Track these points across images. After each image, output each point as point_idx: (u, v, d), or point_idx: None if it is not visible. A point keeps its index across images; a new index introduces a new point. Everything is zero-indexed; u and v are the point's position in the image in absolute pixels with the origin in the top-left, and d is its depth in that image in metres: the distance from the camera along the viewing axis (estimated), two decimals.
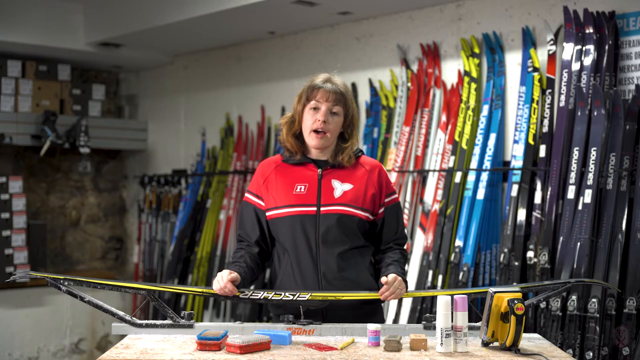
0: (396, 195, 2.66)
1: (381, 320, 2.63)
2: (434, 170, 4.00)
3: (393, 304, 3.94)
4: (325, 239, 2.51)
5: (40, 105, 5.45)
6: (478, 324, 2.38)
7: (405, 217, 4.06)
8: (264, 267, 2.74)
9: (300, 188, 2.56)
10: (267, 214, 2.59)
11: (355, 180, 2.58)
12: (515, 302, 2.18)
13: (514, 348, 2.22)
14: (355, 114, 2.62)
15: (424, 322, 2.46)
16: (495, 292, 2.24)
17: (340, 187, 2.56)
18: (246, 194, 2.67)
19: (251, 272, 2.58)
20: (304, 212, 2.53)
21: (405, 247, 2.67)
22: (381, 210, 2.60)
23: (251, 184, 2.66)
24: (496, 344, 2.28)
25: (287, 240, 2.55)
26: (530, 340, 2.44)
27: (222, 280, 2.45)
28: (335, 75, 2.65)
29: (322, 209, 2.53)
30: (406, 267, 2.80)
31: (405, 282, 2.50)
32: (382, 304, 2.68)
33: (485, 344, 2.29)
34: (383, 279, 2.45)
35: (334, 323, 2.47)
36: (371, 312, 2.58)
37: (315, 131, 2.53)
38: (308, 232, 2.52)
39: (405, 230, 2.68)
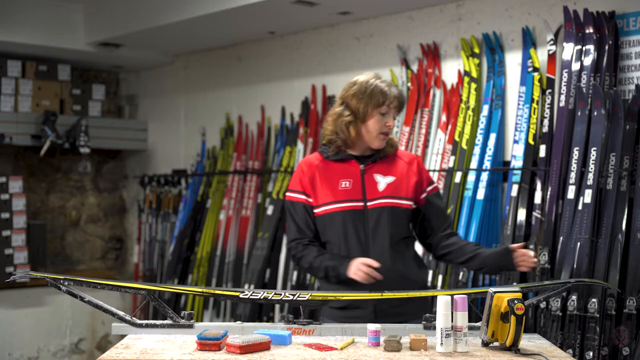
0: (436, 185, 2.78)
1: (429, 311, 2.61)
2: (434, 170, 4.00)
3: None
4: (374, 233, 2.59)
5: (40, 105, 5.45)
6: (478, 324, 2.38)
7: None
8: None
9: (345, 184, 2.64)
10: (315, 210, 2.65)
11: (396, 172, 2.68)
12: (515, 302, 2.19)
13: (514, 348, 2.22)
14: None
15: (424, 322, 2.46)
16: (495, 292, 2.24)
17: (383, 181, 2.65)
18: (290, 194, 2.70)
19: None
20: (352, 207, 2.61)
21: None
22: (423, 196, 2.70)
23: (293, 183, 2.71)
24: (496, 344, 2.28)
25: (337, 236, 2.61)
26: (530, 340, 2.44)
27: (364, 267, 2.49)
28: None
29: (368, 203, 2.61)
30: None
31: None
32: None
33: (485, 344, 2.29)
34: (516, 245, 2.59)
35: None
36: (418, 307, 2.62)
37: (383, 133, 2.66)
38: (358, 227, 2.59)
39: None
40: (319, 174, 2.67)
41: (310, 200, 2.66)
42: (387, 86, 2.67)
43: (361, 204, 2.61)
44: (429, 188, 2.73)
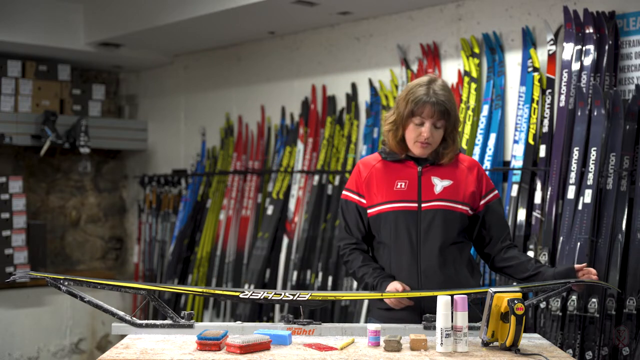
0: (497, 192, 2.70)
1: (476, 317, 2.53)
2: None
3: None
4: (426, 235, 2.56)
5: (40, 105, 5.45)
6: (478, 324, 2.38)
7: None
8: None
9: (401, 184, 2.61)
10: (369, 210, 2.63)
11: (454, 176, 2.62)
12: (515, 302, 2.18)
13: (514, 348, 2.22)
14: (458, 118, 2.63)
15: (424, 322, 2.46)
16: (495, 292, 2.24)
17: (440, 184, 2.61)
18: (345, 192, 2.70)
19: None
20: (405, 208, 2.58)
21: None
22: (482, 202, 2.64)
23: (350, 182, 2.70)
24: (496, 344, 2.28)
25: (389, 236, 2.59)
26: (530, 340, 2.44)
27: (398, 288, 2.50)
28: (437, 78, 2.63)
29: (423, 205, 2.58)
30: None
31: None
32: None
33: (485, 344, 2.29)
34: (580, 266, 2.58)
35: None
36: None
37: (420, 142, 2.57)
38: (410, 228, 2.56)
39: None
40: (375, 175, 2.65)
41: (364, 201, 2.65)
42: (427, 94, 2.54)
43: (415, 205, 2.58)
44: (490, 195, 2.66)
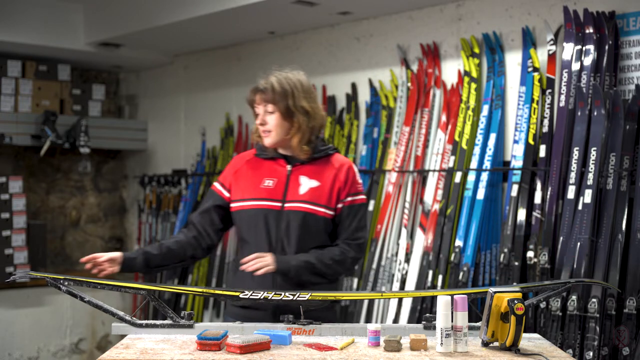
0: (362, 197, 2.65)
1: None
2: (434, 170, 4.00)
3: (393, 304, 3.94)
4: (285, 235, 2.55)
5: (40, 105, 5.45)
6: (478, 324, 2.38)
7: (405, 217, 4.06)
8: (208, 251, 2.72)
9: (269, 182, 2.61)
10: (232, 205, 2.64)
11: (322, 177, 2.60)
12: (515, 302, 2.18)
13: (514, 348, 2.22)
14: (302, 103, 2.60)
15: (424, 322, 2.46)
16: (495, 292, 2.24)
17: (306, 184, 2.59)
18: (214, 183, 2.72)
19: (167, 255, 2.61)
20: (268, 207, 2.57)
21: (354, 249, 2.62)
22: (339, 205, 2.60)
23: (221, 174, 2.72)
24: (496, 344, 2.28)
25: (249, 233, 2.59)
26: (530, 340, 2.44)
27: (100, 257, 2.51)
28: (284, 71, 2.65)
29: (286, 204, 2.56)
30: (338, 267, 2.64)
31: (307, 268, 2.51)
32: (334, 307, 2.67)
33: (485, 344, 2.29)
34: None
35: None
36: (320, 317, 2.51)
37: (262, 132, 2.62)
38: (270, 227, 2.55)
39: (363, 235, 2.65)
40: (246, 170, 2.66)
41: (227, 194, 2.66)
42: (259, 84, 2.61)
43: (279, 204, 2.57)
44: (350, 199, 2.61)
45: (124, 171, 6.39)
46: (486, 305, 2.24)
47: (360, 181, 2.68)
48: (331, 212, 2.59)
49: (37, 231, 5.40)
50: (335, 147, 2.70)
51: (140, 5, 4.90)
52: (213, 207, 2.67)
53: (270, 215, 2.56)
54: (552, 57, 3.62)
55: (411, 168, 4.10)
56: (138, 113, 6.31)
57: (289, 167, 2.62)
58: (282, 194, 2.58)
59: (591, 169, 3.29)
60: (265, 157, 2.66)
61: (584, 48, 3.45)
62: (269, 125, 2.60)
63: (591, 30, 3.43)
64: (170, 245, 2.63)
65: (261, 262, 2.49)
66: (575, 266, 3.24)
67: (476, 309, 2.62)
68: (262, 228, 2.56)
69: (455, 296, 2.25)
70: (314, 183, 2.59)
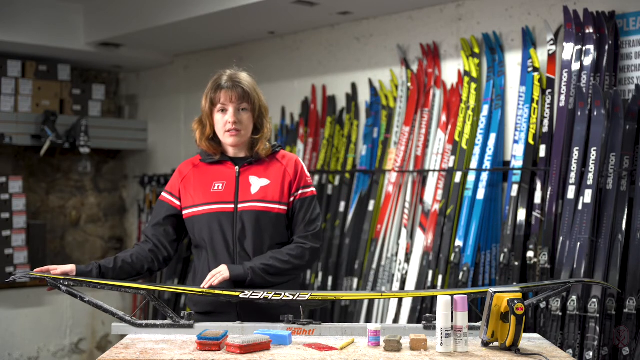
0: (312, 189, 2.65)
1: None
2: (434, 170, 4.00)
3: (393, 304, 3.94)
4: (242, 237, 2.53)
5: (40, 105, 5.45)
6: (478, 324, 2.38)
7: (405, 217, 4.06)
8: (165, 263, 2.70)
9: (218, 186, 2.58)
10: (184, 212, 2.61)
11: (271, 175, 2.60)
12: (515, 302, 2.18)
13: (514, 348, 2.22)
14: (263, 104, 2.63)
15: (424, 322, 2.46)
16: (495, 292, 2.24)
17: (257, 183, 2.58)
18: (162, 193, 2.68)
19: (123, 268, 2.58)
20: (221, 210, 2.55)
21: (311, 240, 2.60)
22: (291, 199, 2.60)
23: (168, 184, 2.69)
24: (496, 344, 2.28)
25: (205, 238, 2.56)
26: (530, 340, 2.44)
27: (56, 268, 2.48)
28: (237, 72, 2.67)
29: (239, 206, 2.55)
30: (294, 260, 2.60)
31: (264, 270, 2.48)
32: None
33: (485, 344, 2.29)
34: None
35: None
36: (281, 309, 2.52)
37: (229, 131, 2.56)
38: (225, 230, 2.54)
39: (317, 225, 2.63)
40: (193, 176, 2.63)
41: (178, 203, 2.62)
42: (226, 82, 2.60)
43: (232, 206, 2.55)
44: (300, 192, 2.61)
45: (124, 171, 6.39)
46: (486, 305, 2.24)
47: (308, 174, 2.68)
48: (284, 207, 2.58)
49: (37, 231, 5.40)
50: (280, 144, 2.70)
51: (140, 5, 4.90)
52: (165, 217, 2.63)
53: (224, 218, 2.54)
54: (552, 57, 3.62)
55: (411, 168, 4.10)
56: (138, 113, 6.31)
57: (237, 169, 2.60)
58: (234, 196, 2.56)
59: (591, 169, 3.29)
60: (211, 162, 2.63)
61: (584, 48, 3.45)
62: (242, 124, 2.57)
63: (591, 30, 3.43)
64: (125, 259, 2.60)
65: (217, 276, 2.46)
66: (575, 266, 3.24)
67: (476, 309, 2.62)
68: (217, 232, 2.54)
69: (455, 296, 2.25)
70: (264, 182, 2.59)
